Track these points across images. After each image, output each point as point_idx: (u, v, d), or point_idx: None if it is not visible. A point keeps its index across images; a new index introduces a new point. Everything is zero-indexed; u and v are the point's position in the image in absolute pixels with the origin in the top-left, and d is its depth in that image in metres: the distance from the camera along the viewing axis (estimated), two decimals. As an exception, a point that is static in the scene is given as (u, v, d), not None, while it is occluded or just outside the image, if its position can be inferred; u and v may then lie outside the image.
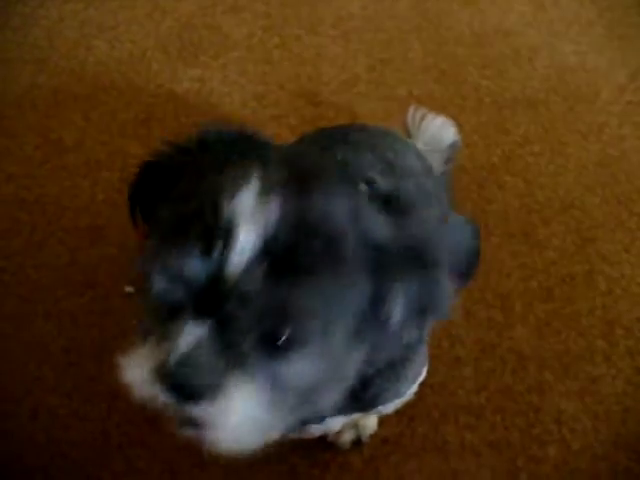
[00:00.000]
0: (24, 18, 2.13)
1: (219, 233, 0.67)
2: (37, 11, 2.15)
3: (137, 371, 0.72)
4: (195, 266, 0.67)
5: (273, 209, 0.68)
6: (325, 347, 0.71)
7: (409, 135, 1.57)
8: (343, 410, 0.96)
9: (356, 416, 1.09)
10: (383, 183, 0.94)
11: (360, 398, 0.94)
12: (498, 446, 1.42)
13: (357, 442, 1.39)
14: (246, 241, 0.66)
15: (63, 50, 2.06)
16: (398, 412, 1.36)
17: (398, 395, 1.07)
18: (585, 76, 2.02)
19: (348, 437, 1.38)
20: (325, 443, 1.38)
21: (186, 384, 0.68)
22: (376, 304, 0.73)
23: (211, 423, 0.70)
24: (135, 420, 1.41)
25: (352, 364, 0.78)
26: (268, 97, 1.92)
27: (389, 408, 1.20)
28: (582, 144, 1.86)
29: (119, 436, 1.41)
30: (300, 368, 0.71)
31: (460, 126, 1.67)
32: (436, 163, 1.45)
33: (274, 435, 0.77)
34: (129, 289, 1.53)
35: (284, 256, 0.67)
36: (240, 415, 0.70)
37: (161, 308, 0.71)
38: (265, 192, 0.69)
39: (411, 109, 1.60)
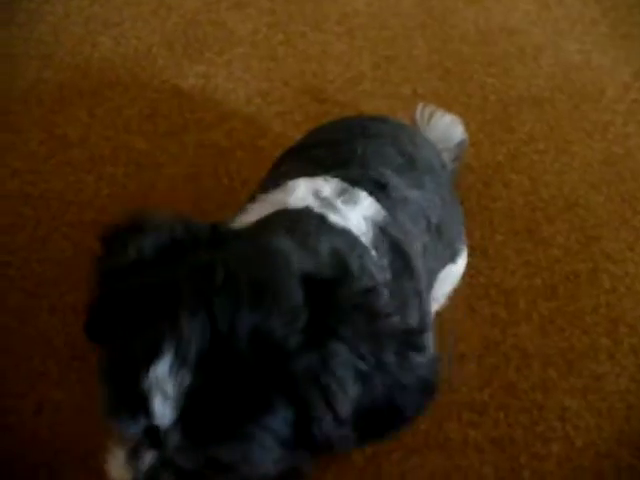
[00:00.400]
0: (30, 14, 2.14)
1: (139, 401, 0.71)
2: (43, 7, 2.16)
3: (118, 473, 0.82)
4: (128, 427, 0.73)
5: (185, 378, 0.70)
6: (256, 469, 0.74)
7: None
8: None
9: None
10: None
11: None
12: (501, 443, 1.41)
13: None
14: (161, 409, 0.70)
15: (69, 46, 2.07)
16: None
17: None
18: (590, 74, 2.02)
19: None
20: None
21: None
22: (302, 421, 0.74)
23: None
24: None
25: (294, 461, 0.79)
26: (273, 94, 1.92)
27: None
28: (587, 142, 1.86)
29: (123, 431, 1.40)
30: None
31: (466, 124, 1.67)
32: (445, 161, 1.45)
33: None
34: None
35: (199, 418, 0.70)
36: None
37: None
38: (179, 361, 0.71)
39: (420, 106, 1.60)
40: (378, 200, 1.02)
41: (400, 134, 1.24)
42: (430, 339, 1.06)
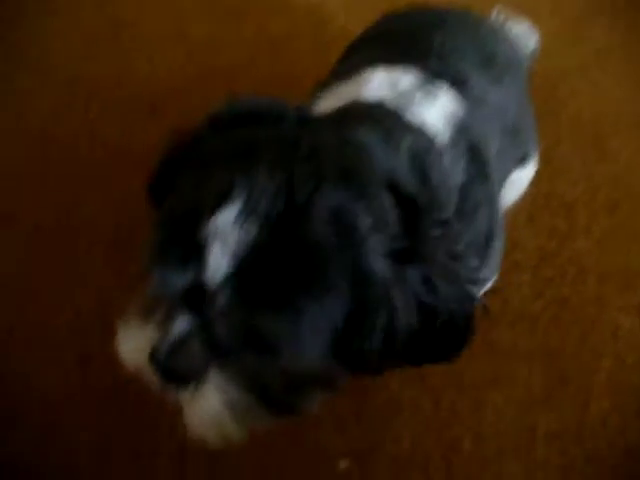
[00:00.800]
0: None
1: (194, 249, 0.68)
2: None
3: (131, 346, 0.78)
4: (173, 278, 0.70)
5: (251, 231, 0.67)
6: (299, 355, 0.71)
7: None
8: None
9: None
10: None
11: None
12: (551, 354, 1.39)
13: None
14: (218, 261, 0.67)
15: None
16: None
17: None
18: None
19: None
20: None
21: (171, 371, 0.74)
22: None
23: (190, 407, 0.76)
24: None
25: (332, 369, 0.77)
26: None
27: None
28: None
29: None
30: (272, 372, 0.74)
31: (538, 26, 1.59)
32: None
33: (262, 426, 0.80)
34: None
35: (255, 278, 0.67)
36: (216, 404, 0.75)
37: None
38: (248, 211, 0.67)
39: (495, 9, 1.52)
40: (458, 97, 0.97)
41: (480, 28, 1.17)
42: (498, 246, 1.03)
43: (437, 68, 1.00)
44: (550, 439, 1.34)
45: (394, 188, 0.74)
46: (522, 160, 1.25)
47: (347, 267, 0.68)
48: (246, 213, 0.66)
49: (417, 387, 1.36)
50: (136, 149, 1.59)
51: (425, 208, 0.74)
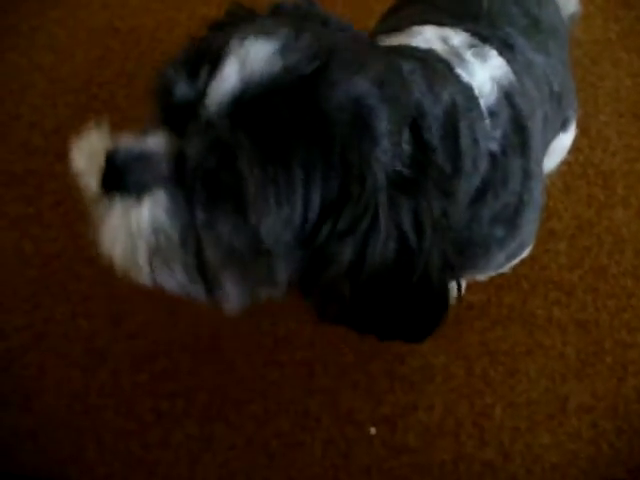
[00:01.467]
0: None
1: (208, 61, 0.67)
2: None
3: (89, 149, 0.74)
4: (181, 86, 0.69)
5: (273, 65, 0.66)
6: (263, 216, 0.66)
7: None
8: None
9: None
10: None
11: None
12: (586, 326, 1.38)
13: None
14: (228, 78, 0.66)
15: None
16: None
17: (487, 267, 1.02)
18: None
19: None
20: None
21: (121, 174, 0.70)
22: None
23: (114, 221, 0.70)
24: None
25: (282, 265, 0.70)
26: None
27: (479, 277, 1.16)
28: None
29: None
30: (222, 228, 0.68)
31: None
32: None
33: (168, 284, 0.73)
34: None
35: (255, 111, 0.65)
36: (142, 224, 0.70)
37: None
38: (278, 48, 0.67)
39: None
40: (506, 62, 0.94)
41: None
42: (533, 218, 1.00)
43: (486, 32, 0.97)
44: (582, 412, 1.32)
45: (416, 129, 0.72)
46: (563, 124, 1.22)
47: (348, 156, 0.66)
48: (276, 49, 0.66)
49: (450, 354, 1.34)
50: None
51: (437, 168, 0.72)
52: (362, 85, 0.68)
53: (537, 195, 0.98)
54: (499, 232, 0.93)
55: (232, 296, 0.72)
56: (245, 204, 0.65)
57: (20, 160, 1.54)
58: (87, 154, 0.74)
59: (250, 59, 0.66)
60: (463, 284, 1.35)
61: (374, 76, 0.69)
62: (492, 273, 1.11)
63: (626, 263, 1.43)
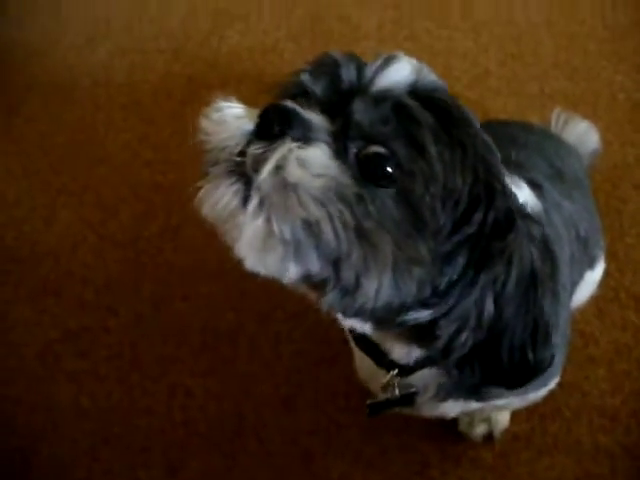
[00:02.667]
0: (160, 8, 2.20)
1: (380, 56, 0.75)
2: (172, 1, 2.22)
3: (227, 114, 0.76)
4: (349, 71, 0.74)
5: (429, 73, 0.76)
6: (419, 201, 0.70)
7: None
8: (449, 396, 0.97)
9: (474, 405, 1.07)
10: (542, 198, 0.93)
11: (462, 383, 0.94)
12: (633, 450, 1.39)
13: (489, 437, 1.38)
14: (401, 67, 0.74)
15: (197, 40, 2.12)
16: (528, 409, 1.37)
17: (503, 395, 1.03)
18: None
19: (480, 431, 1.37)
20: (457, 435, 1.39)
21: (283, 118, 0.70)
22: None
23: (261, 164, 0.69)
24: (271, 403, 1.45)
25: (422, 263, 0.72)
26: (400, 89, 1.92)
27: (512, 404, 1.19)
28: None
29: (254, 418, 1.44)
30: (388, 202, 0.70)
31: (594, 123, 1.64)
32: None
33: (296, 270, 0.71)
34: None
35: (423, 95, 0.72)
36: (298, 167, 0.68)
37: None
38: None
39: (556, 111, 1.58)
40: (536, 197, 1.01)
41: (547, 145, 1.23)
42: (558, 341, 1.04)
43: (516, 172, 1.03)
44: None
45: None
46: (591, 262, 1.28)
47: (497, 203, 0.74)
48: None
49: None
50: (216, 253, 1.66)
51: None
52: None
53: (563, 323, 1.03)
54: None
55: (376, 277, 0.70)
56: (416, 175, 0.69)
57: (74, 316, 1.62)
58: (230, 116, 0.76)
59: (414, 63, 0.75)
60: (505, 418, 1.39)
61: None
62: (523, 401, 1.14)
63: (667, 386, 1.46)
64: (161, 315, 1.59)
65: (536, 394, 1.12)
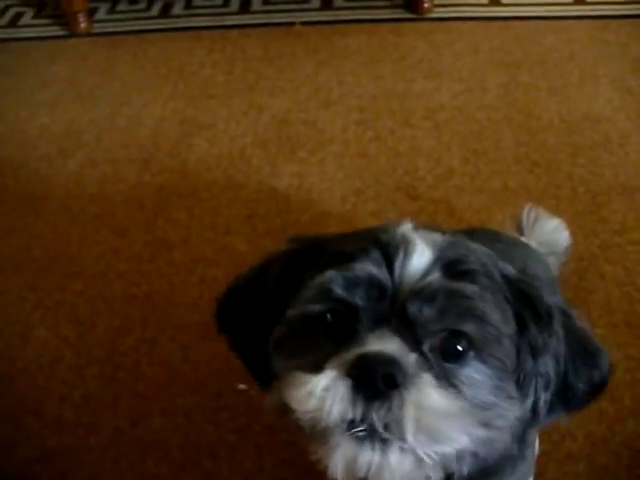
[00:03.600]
0: (130, 119, 2.25)
1: (398, 245, 0.77)
2: (141, 111, 2.27)
3: (315, 383, 0.73)
4: (383, 273, 0.76)
5: (438, 238, 0.80)
6: (498, 357, 0.77)
7: (521, 233, 1.59)
8: None
9: None
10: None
11: None
12: None
13: None
14: (422, 250, 0.77)
15: (166, 149, 2.17)
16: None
17: None
18: (680, 161, 2.03)
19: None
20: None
21: (382, 371, 0.71)
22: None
23: (399, 424, 0.71)
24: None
25: (515, 398, 0.79)
26: (367, 192, 1.97)
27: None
28: (682, 231, 1.86)
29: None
30: (477, 372, 0.76)
31: (557, 217, 1.69)
32: (553, 267, 1.46)
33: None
34: (242, 386, 1.58)
35: (452, 266, 0.77)
36: (438, 401, 0.72)
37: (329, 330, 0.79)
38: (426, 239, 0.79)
39: (526, 209, 1.62)
40: None
41: (513, 252, 1.27)
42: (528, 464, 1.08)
43: None
44: None
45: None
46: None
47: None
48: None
49: None
50: (193, 367, 1.67)
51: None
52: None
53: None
54: (514, 448, 1.00)
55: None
56: (488, 340, 0.76)
57: (53, 434, 1.61)
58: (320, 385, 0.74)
59: (428, 241, 0.79)
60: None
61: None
62: None
63: (645, 476, 1.47)
64: (140, 431, 1.59)
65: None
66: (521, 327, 0.81)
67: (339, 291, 0.77)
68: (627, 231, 1.87)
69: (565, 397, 0.86)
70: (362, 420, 0.72)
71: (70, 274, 1.91)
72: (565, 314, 0.86)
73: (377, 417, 0.71)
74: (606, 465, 1.48)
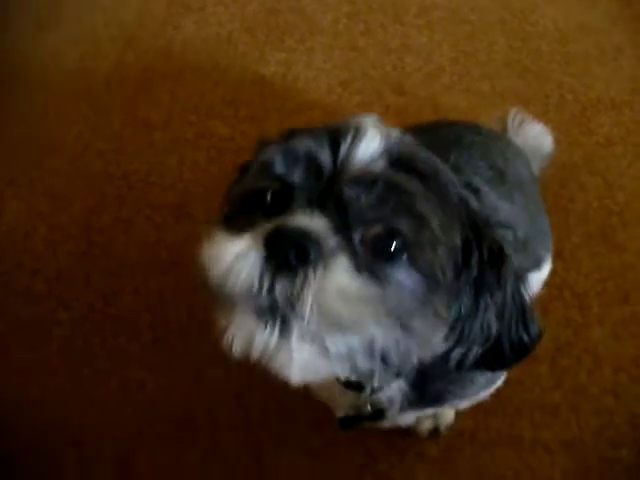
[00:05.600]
0: (114, -3, 2.19)
1: (348, 130, 0.75)
2: (127, -11, 2.20)
3: (229, 247, 0.72)
4: (324, 153, 0.74)
5: (394, 133, 0.77)
6: (431, 266, 0.74)
7: (506, 134, 1.57)
8: (411, 406, 1.00)
9: (429, 411, 1.11)
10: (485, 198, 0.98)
11: (423, 395, 0.98)
12: (571, 445, 1.43)
13: (434, 432, 1.42)
14: (372, 139, 0.74)
15: (151, 29, 2.11)
16: (473, 405, 1.40)
17: (465, 396, 1.10)
18: (672, 77, 2.01)
19: (426, 426, 1.41)
20: (403, 430, 1.41)
21: (295, 245, 0.69)
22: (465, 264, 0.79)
23: (302, 299, 0.68)
24: (222, 397, 1.46)
25: (443, 318, 0.78)
26: (353, 84, 1.94)
27: (461, 405, 1.23)
28: (666, 148, 1.86)
29: (205, 412, 1.45)
30: (405, 275, 0.73)
31: (543, 123, 1.67)
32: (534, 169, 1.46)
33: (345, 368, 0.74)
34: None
35: (401, 162, 0.75)
36: (343, 280, 0.70)
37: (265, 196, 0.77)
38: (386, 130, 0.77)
39: (512, 112, 1.60)
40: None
41: (492, 146, 1.26)
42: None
43: None
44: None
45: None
46: (537, 263, 1.31)
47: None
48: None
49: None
50: (167, 248, 1.67)
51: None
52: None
53: None
54: None
55: (422, 339, 0.76)
56: (423, 244, 0.73)
57: (24, 307, 1.62)
58: (230, 250, 0.72)
59: (382, 131, 0.76)
60: (451, 414, 1.42)
61: None
62: (472, 400, 1.18)
63: (605, 381, 1.50)
64: (112, 308, 1.59)
65: (486, 393, 1.16)
66: (467, 258, 0.79)
67: (278, 168, 0.76)
68: (612, 145, 1.86)
69: (491, 356, 0.85)
70: (268, 293, 0.69)
71: (47, 151, 1.88)
72: (517, 277, 0.84)
73: (280, 290, 0.69)
74: (567, 368, 1.52)
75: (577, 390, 1.49)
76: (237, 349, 0.73)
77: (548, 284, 1.57)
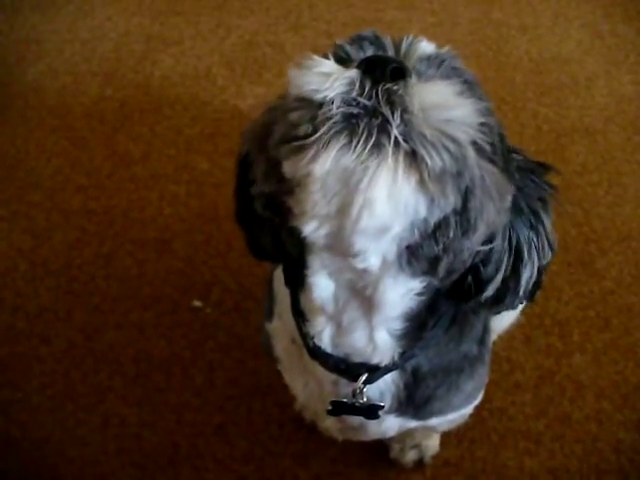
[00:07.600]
0: (92, 31, 2.19)
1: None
2: (105, 24, 2.21)
3: (324, 64, 0.70)
4: (390, 49, 0.76)
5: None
6: (494, 152, 0.76)
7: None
8: (400, 407, 1.00)
9: (412, 424, 1.10)
10: None
11: (412, 396, 0.98)
12: (556, 473, 1.44)
13: (419, 462, 1.42)
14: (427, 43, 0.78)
15: (130, 64, 2.12)
16: (458, 434, 1.41)
17: (450, 406, 1.09)
18: (643, 106, 2.04)
19: (411, 457, 1.41)
20: (388, 461, 1.42)
21: (392, 64, 0.67)
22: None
23: (409, 94, 0.66)
24: (205, 432, 1.45)
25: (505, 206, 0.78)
26: (331, 118, 1.95)
27: (443, 424, 1.22)
28: (640, 175, 1.89)
29: (188, 447, 1.45)
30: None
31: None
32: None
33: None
34: (197, 303, 1.58)
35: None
36: (439, 94, 0.68)
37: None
38: None
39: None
40: None
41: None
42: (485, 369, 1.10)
43: None
44: None
45: None
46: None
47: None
48: None
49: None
50: (148, 282, 1.66)
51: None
52: None
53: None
54: (474, 349, 1.03)
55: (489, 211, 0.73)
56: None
57: (5, 344, 1.60)
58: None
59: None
60: (436, 443, 1.42)
61: None
62: (455, 417, 1.17)
63: (588, 408, 1.51)
64: (94, 344, 1.58)
65: (467, 409, 1.16)
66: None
67: (348, 48, 0.76)
68: (588, 173, 1.89)
69: (508, 288, 0.86)
70: (368, 95, 0.66)
71: (27, 185, 1.87)
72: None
73: (382, 92, 0.65)
74: (551, 397, 1.53)
75: (561, 418, 1.50)
76: (322, 192, 0.66)
77: (528, 313, 1.59)
